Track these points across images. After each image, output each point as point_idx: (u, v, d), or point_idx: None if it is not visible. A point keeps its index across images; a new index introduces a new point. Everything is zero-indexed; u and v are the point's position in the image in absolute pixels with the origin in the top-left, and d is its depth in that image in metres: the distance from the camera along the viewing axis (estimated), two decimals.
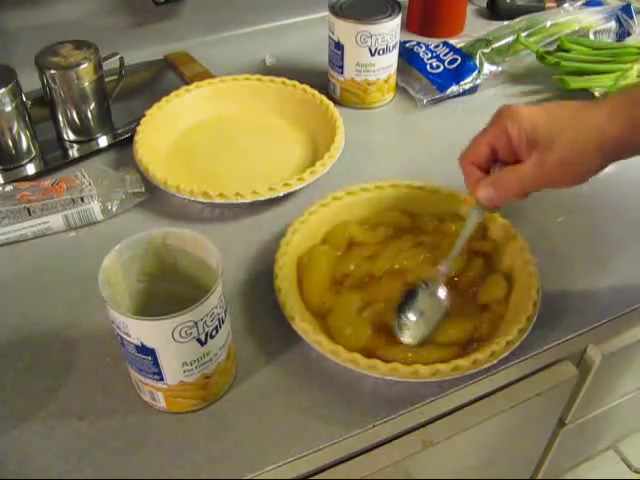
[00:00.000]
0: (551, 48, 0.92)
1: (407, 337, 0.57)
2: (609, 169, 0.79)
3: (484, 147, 0.55)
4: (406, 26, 1.03)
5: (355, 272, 0.62)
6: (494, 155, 0.56)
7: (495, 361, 0.54)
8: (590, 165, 0.52)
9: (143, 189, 0.72)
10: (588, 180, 0.54)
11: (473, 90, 0.89)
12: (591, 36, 0.96)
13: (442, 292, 0.58)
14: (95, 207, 0.69)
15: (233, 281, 0.63)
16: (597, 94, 0.85)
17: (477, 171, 0.56)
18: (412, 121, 0.86)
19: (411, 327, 0.57)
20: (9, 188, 0.69)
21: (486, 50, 0.91)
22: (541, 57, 0.90)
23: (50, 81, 0.75)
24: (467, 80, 0.88)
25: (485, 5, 1.08)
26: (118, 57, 0.83)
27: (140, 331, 0.46)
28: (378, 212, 0.68)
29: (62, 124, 0.78)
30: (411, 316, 0.58)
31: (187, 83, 0.86)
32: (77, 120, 0.78)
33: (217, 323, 0.48)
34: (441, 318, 0.57)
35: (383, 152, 0.81)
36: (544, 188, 0.54)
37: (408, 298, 0.58)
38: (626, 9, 0.98)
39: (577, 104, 0.54)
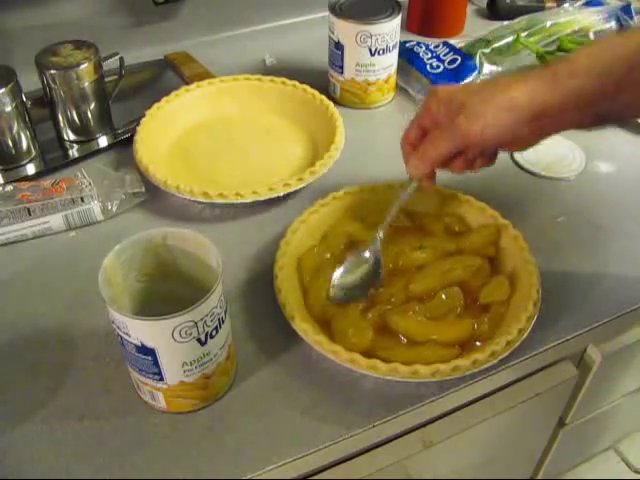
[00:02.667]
0: (551, 48, 0.92)
1: (338, 297, 0.59)
2: (609, 169, 0.80)
3: (414, 128, 0.61)
4: (406, 26, 1.03)
5: None
6: (425, 134, 0.60)
7: (495, 361, 0.54)
8: (505, 125, 0.54)
9: (143, 189, 0.72)
10: (521, 146, 0.58)
11: None
12: (591, 36, 0.95)
13: (369, 253, 0.61)
14: (95, 207, 0.69)
15: (233, 281, 0.63)
16: None
17: (411, 149, 0.61)
18: None
19: (341, 287, 0.60)
20: (9, 188, 0.69)
21: (486, 50, 0.91)
22: (541, 57, 0.90)
23: (50, 81, 0.75)
24: (467, 80, 0.88)
25: (485, 5, 1.08)
26: (118, 57, 0.83)
27: (140, 331, 0.46)
28: (378, 212, 0.68)
29: (62, 124, 0.78)
30: (341, 279, 0.60)
31: (187, 83, 0.86)
32: (77, 120, 0.78)
33: (217, 323, 0.48)
34: (371, 275, 0.60)
35: (383, 152, 0.81)
36: (461, 148, 0.57)
37: (340, 266, 0.61)
38: (626, 9, 0.98)
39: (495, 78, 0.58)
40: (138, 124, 0.76)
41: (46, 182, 0.70)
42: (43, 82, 0.75)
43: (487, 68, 0.90)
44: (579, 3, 1.02)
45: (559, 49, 0.91)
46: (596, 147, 0.80)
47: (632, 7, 0.99)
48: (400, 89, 0.90)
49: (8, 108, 0.71)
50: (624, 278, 0.65)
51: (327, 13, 0.82)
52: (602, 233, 0.70)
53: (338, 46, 0.83)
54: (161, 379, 0.49)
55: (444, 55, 0.90)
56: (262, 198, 0.68)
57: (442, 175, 0.71)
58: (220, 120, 0.83)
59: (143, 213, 0.71)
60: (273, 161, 0.77)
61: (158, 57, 0.95)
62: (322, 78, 0.88)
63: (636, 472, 1.12)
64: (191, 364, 0.49)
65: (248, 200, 0.68)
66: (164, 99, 0.80)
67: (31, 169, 0.75)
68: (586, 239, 0.69)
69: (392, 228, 0.66)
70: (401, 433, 0.60)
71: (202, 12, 0.97)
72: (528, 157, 0.78)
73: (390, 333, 0.57)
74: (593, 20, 0.97)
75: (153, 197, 0.72)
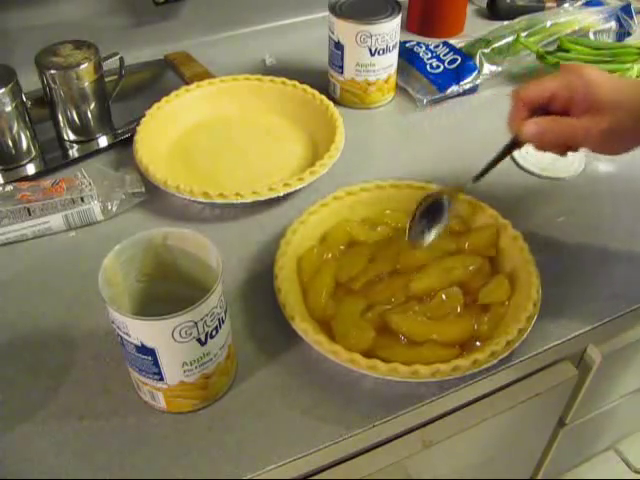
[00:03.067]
0: (551, 48, 0.92)
1: (419, 241, 0.61)
2: (609, 169, 0.80)
3: (546, 92, 0.58)
4: (406, 26, 1.03)
5: (358, 276, 0.61)
6: (550, 102, 0.58)
7: (495, 361, 0.54)
8: (634, 142, 0.55)
9: (143, 189, 0.72)
10: (628, 152, 0.58)
11: (473, 90, 0.89)
12: (591, 36, 0.96)
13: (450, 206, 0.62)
14: (95, 207, 0.69)
15: (233, 281, 0.63)
16: None
17: (525, 109, 0.58)
18: (412, 121, 0.86)
19: (425, 234, 0.62)
20: (9, 188, 0.69)
21: (486, 50, 0.91)
22: (541, 57, 0.90)
23: (50, 81, 0.75)
24: (467, 80, 0.88)
25: (485, 5, 1.08)
26: (118, 57, 0.83)
27: (140, 331, 0.46)
28: (378, 212, 0.68)
29: (62, 124, 0.78)
30: (429, 225, 0.62)
31: (187, 83, 0.86)
32: (77, 120, 0.78)
33: (217, 323, 0.48)
34: (443, 230, 0.62)
35: (383, 152, 0.81)
36: (584, 147, 0.57)
37: (431, 207, 0.62)
38: (626, 9, 0.98)
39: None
40: (138, 124, 0.76)
41: (46, 182, 0.70)
42: (43, 82, 0.75)
43: (487, 68, 0.90)
44: (579, 3, 1.02)
45: (559, 49, 0.91)
46: None
47: (632, 7, 0.99)
48: (400, 89, 0.90)
49: (8, 108, 0.71)
50: (624, 278, 0.65)
51: (327, 13, 0.82)
52: (602, 233, 0.70)
53: (338, 46, 0.83)
54: (161, 379, 0.49)
55: (444, 55, 0.90)
56: (262, 198, 0.68)
57: (442, 175, 0.71)
58: (220, 120, 0.83)
59: (143, 213, 0.71)
60: (273, 161, 0.77)
61: (158, 57, 0.95)
62: (322, 78, 0.88)
63: (636, 472, 1.12)
64: (191, 364, 0.49)
65: (248, 200, 0.68)
66: (164, 99, 0.80)
67: (31, 169, 0.75)
68: (586, 239, 0.69)
69: (392, 228, 0.66)
70: (401, 433, 0.60)
71: (202, 12, 0.97)
72: (528, 157, 0.78)
73: (390, 333, 0.57)
74: (593, 20, 0.97)
75: (153, 197, 0.72)
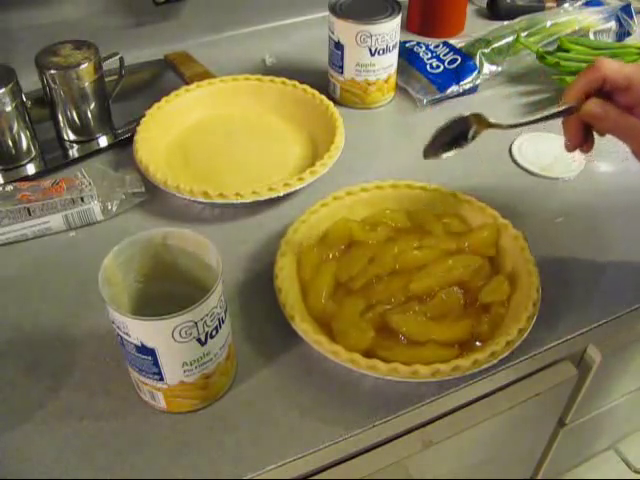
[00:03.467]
0: (551, 48, 0.92)
1: (433, 155, 0.62)
2: (608, 169, 0.80)
3: (625, 80, 0.55)
4: (406, 26, 1.03)
5: (358, 276, 0.61)
6: (621, 91, 0.55)
7: (495, 361, 0.54)
8: None
9: (143, 189, 0.72)
10: None
11: (473, 90, 0.89)
12: (591, 36, 0.96)
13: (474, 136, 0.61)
14: (95, 207, 0.69)
15: (233, 281, 0.63)
16: None
17: (594, 84, 0.56)
18: (412, 121, 0.86)
19: (441, 151, 0.62)
20: (9, 188, 0.69)
21: (486, 50, 0.91)
22: (541, 57, 0.90)
23: (50, 81, 0.75)
24: (467, 80, 0.88)
25: (485, 5, 1.08)
26: (118, 57, 0.83)
27: (140, 331, 0.46)
28: (378, 212, 0.68)
29: (62, 124, 0.78)
30: (448, 144, 0.62)
31: (187, 83, 0.86)
32: (77, 120, 0.78)
33: (217, 323, 0.48)
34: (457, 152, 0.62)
35: (383, 152, 0.81)
36: (633, 152, 0.57)
37: (456, 130, 0.61)
38: (626, 9, 0.98)
39: None
40: (138, 124, 0.76)
41: (46, 182, 0.70)
42: (43, 82, 0.75)
43: (487, 68, 0.90)
44: (579, 3, 1.02)
45: (559, 49, 0.91)
46: (596, 147, 0.80)
47: (632, 7, 0.99)
48: (400, 89, 0.90)
49: (8, 108, 0.71)
50: (624, 278, 0.65)
51: (327, 13, 0.82)
52: (602, 233, 0.70)
53: (338, 46, 0.83)
54: (161, 379, 0.49)
55: (444, 55, 0.90)
56: (262, 198, 0.68)
57: (442, 175, 0.71)
58: (220, 120, 0.83)
59: (143, 213, 0.71)
60: (273, 161, 0.77)
61: (158, 57, 0.95)
62: (322, 78, 0.88)
63: (636, 472, 1.12)
64: (191, 364, 0.49)
65: (248, 200, 0.68)
66: (164, 99, 0.80)
67: (31, 169, 0.75)
68: (586, 239, 0.69)
69: (392, 228, 0.66)
70: (401, 433, 0.60)
71: (202, 12, 0.97)
72: (528, 157, 0.78)
73: (390, 333, 0.57)
74: (593, 20, 0.97)
75: (153, 197, 0.72)
